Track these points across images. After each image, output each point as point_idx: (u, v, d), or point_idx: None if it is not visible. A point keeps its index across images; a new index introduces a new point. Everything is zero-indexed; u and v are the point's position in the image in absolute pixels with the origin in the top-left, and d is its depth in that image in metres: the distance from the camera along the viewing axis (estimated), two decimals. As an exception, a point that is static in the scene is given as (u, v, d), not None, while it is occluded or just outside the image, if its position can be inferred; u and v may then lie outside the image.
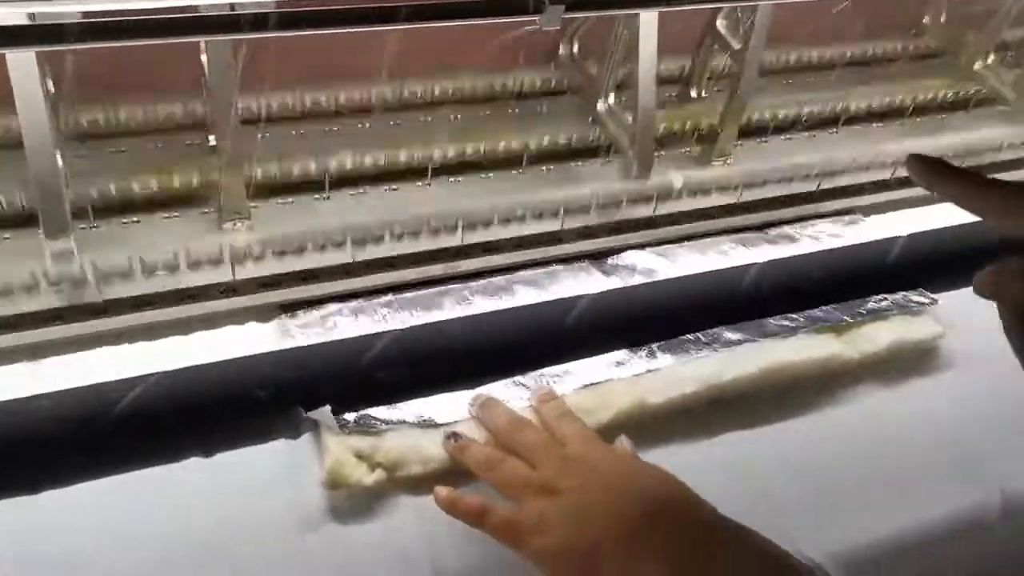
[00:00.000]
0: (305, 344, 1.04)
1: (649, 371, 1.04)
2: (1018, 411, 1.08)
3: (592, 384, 1.02)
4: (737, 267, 1.24)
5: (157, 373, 0.96)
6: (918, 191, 1.36)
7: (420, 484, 0.91)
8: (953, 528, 0.97)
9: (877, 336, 1.13)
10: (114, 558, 0.82)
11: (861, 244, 1.32)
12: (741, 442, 1.02)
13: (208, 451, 0.92)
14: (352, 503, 0.90)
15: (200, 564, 0.83)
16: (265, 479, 0.90)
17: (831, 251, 1.30)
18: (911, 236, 1.31)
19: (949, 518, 0.97)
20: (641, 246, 1.25)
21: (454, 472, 0.92)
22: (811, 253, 1.30)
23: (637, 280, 1.21)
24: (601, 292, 1.16)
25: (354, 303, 1.11)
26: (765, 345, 1.09)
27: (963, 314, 1.13)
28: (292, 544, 0.86)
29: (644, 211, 1.24)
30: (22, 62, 0.88)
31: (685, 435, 1.02)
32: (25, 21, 0.82)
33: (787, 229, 1.35)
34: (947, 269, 1.16)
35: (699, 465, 0.89)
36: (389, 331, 1.06)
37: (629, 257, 1.25)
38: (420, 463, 0.92)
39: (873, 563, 0.93)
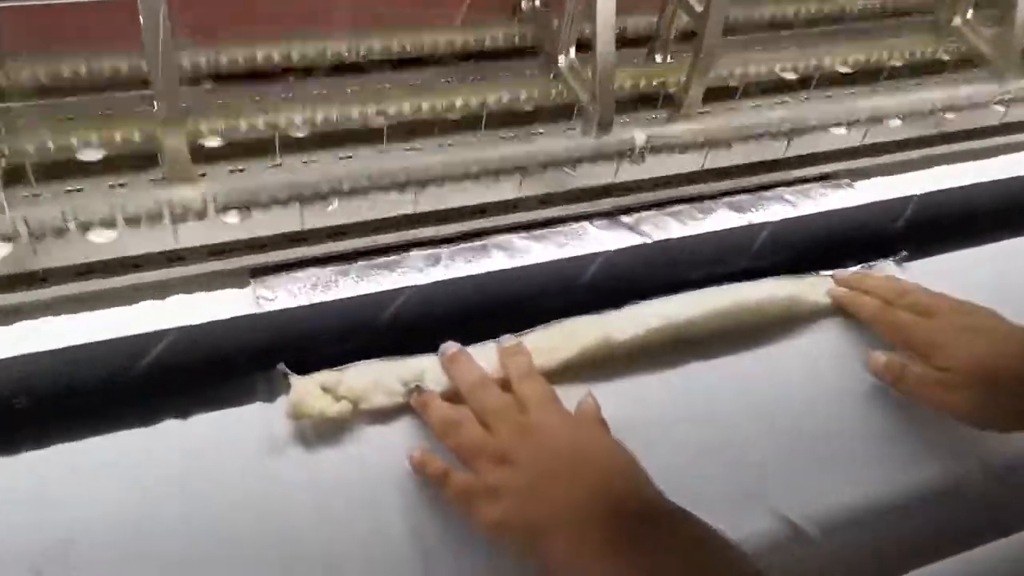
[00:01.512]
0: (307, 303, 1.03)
1: (615, 310, 1.04)
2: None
3: (558, 322, 1.02)
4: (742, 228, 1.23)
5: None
6: (896, 156, 1.34)
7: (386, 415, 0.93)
8: (912, 454, 0.99)
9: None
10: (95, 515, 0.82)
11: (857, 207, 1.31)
12: (703, 374, 1.03)
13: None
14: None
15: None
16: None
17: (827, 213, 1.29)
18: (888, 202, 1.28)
19: (909, 448, 0.99)
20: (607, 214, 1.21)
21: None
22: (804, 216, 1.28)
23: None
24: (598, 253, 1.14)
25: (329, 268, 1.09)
26: (729, 287, 1.10)
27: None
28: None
29: (606, 172, 1.20)
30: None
31: (650, 369, 1.02)
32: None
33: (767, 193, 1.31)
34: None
35: (663, 396, 0.95)
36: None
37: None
38: (385, 395, 0.93)
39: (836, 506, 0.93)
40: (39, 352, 0.91)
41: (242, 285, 1.05)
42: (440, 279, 1.09)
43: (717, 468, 0.93)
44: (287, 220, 1.06)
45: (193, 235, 1.02)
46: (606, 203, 1.22)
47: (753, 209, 1.29)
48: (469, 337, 0.99)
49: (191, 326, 0.95)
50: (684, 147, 1.24)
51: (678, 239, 1.20)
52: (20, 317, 0.97)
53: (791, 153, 1.31)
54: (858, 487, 0.94)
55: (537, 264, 1.13)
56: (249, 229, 1.05)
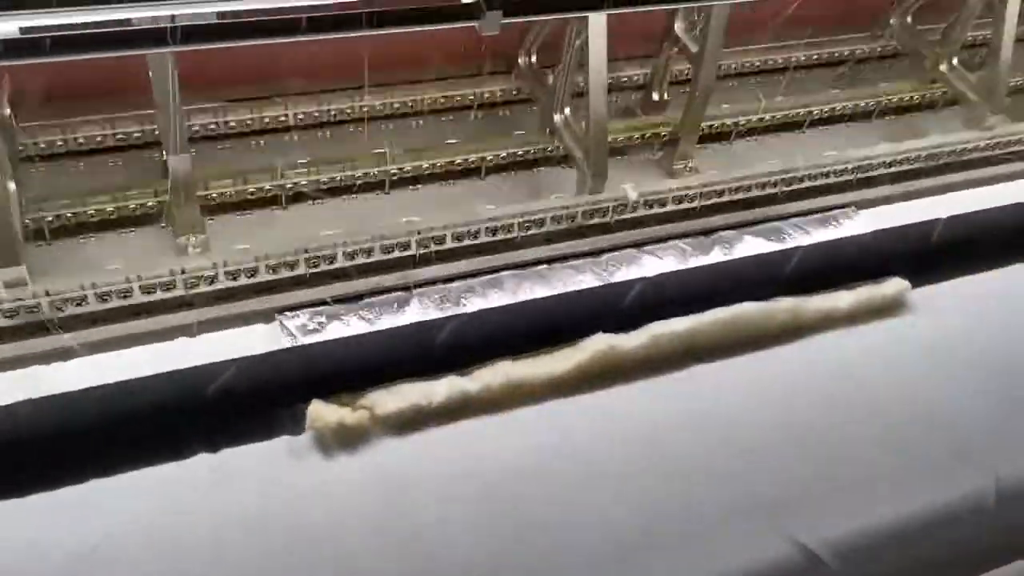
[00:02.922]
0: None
1: None
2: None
3: None
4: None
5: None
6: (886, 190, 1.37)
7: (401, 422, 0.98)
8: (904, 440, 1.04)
9: (840, 297, 1.20)
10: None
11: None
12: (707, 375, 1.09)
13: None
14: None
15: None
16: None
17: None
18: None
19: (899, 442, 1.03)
20: (599, 252, 1.24)
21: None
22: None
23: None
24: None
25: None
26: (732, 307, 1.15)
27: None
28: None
29: (601, 221, 1.23)
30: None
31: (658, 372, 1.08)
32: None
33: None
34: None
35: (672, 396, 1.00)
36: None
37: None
38: (400, 400, 0.98)
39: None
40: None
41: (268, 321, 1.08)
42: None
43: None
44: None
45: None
46: (604, 240, 1.25)
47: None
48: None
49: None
50: (678, 200, 1.27)
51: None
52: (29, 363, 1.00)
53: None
54: (871, 507, 0.96)
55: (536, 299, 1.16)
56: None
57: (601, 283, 1.18)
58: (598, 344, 1.05)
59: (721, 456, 0.98)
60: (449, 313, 1.10)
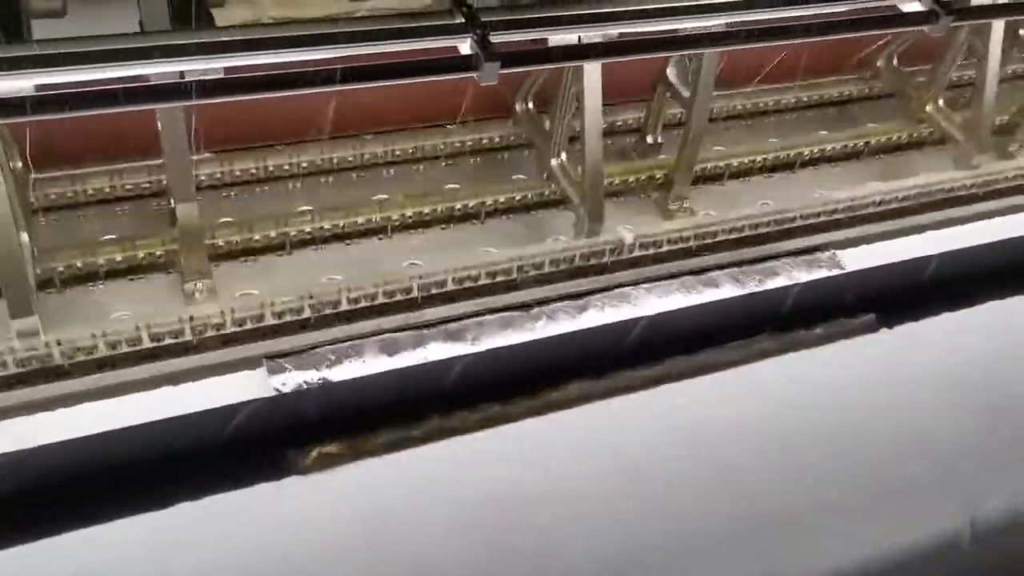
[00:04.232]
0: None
1: None
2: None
3: None
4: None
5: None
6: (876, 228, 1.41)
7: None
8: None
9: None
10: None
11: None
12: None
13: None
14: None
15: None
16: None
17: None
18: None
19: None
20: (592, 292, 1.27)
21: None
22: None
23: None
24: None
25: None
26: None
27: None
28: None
29: (598, 262, 1.26)
30: (-22, 135, 0.91)
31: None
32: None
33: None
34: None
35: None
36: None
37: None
38: None
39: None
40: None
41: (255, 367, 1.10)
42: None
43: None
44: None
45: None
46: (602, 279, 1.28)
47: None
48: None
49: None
50: (673, 241, 1.30)
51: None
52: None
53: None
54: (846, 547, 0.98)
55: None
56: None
57: (599, 323, 1.20)
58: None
59: (696, 476, 1.01)
60: (454, 354, 1.12)
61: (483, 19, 0.95)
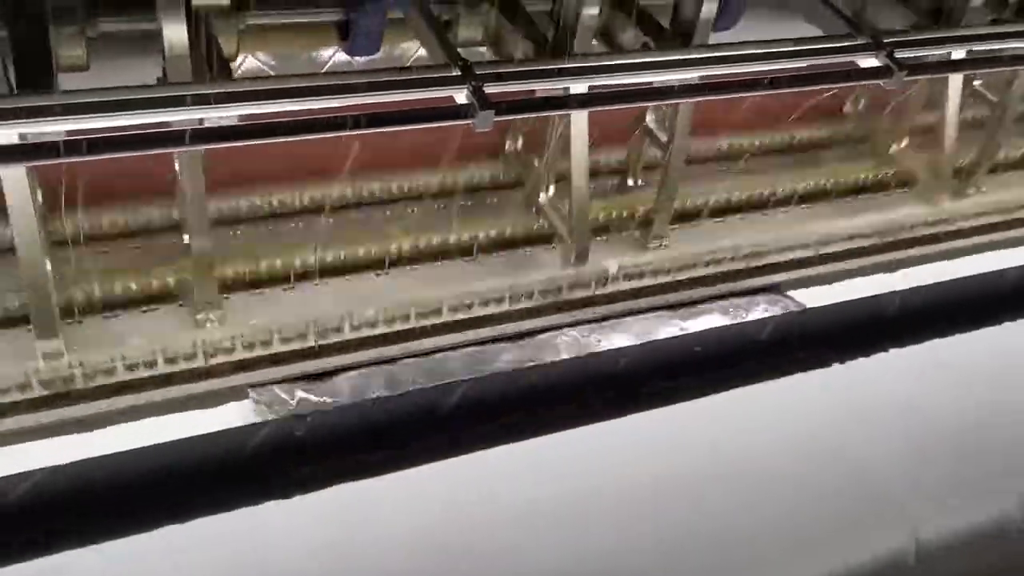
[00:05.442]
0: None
1: None
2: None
3: None
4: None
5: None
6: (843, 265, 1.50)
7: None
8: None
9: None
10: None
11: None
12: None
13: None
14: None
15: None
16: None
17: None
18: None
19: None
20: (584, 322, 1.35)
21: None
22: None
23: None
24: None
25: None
26: None
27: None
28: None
29: (584, 293, 1.35)
30: (14, 177, 0.98)
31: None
32: (16, 140, 0.93)
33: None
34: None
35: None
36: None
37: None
38: None
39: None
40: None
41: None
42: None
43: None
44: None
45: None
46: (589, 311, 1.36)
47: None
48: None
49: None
50: (655, 272, 1.40)
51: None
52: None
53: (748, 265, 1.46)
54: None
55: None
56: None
57: (585, 352, 1.29)
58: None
59: (649, 504, 1.08)
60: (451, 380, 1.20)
61: (477, 71, 1.04)
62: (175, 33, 0.97)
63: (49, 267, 1.10)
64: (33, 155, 0.94)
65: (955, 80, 1.49)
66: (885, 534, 1.11)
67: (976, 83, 1.59)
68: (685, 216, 1.51)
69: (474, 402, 1.19)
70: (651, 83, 1.15)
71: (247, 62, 1.21)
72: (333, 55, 1.24)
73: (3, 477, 1.02)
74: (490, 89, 1.04)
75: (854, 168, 1.65)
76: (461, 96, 1.04)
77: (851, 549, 1.09)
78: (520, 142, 1.45)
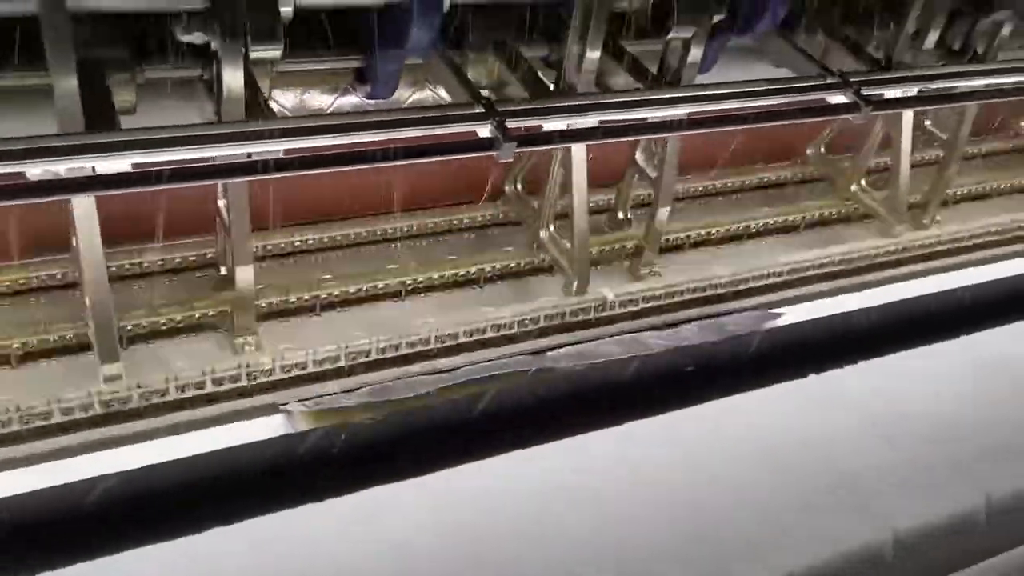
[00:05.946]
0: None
1: None
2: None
3: None
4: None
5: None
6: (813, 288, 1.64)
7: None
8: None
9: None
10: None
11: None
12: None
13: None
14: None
15: None
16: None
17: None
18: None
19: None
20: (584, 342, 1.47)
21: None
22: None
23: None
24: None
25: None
26: None
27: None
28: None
29: (584, 318, 1.47)
30: (85, 206, 1.08)
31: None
32: (89, 172, 1.03)
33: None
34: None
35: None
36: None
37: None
38: None
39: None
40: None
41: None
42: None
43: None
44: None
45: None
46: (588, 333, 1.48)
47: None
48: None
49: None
50: (646, 299, 1.52)
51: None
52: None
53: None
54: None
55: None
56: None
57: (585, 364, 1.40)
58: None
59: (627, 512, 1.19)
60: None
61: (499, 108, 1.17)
62: (234, 79, 1.07)
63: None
64: (108, 185, 1.03)
65: (907, 120, 1.65)
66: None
67: (927, 123, 1.76)
68: (672, 248, 1.64)
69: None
70: (647, 119, 1.28)
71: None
72: (336, 98, 1.36)
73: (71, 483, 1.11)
74: (510, 124, 1.16)
75: (819, 204, 1.80)
76: (484, 131, 1.16)
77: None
78: (520, 182, 1.58)
